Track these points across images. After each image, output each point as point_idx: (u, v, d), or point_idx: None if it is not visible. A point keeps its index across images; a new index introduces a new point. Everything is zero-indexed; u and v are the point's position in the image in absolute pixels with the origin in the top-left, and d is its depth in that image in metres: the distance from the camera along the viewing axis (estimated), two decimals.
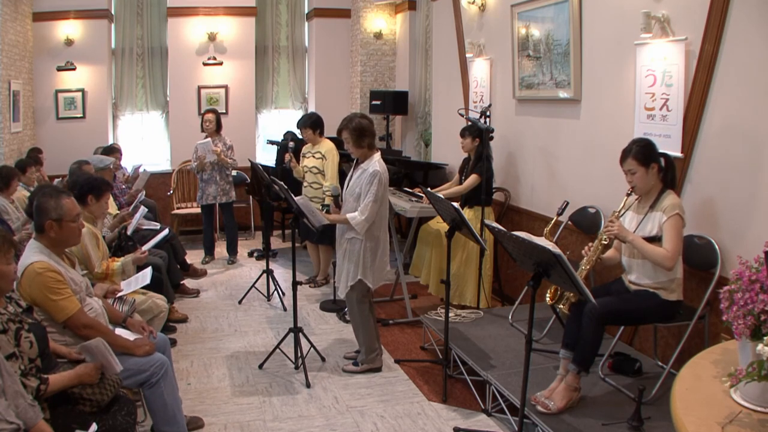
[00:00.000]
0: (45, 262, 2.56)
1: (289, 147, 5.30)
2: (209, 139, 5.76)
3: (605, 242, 3.00)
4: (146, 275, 3.43)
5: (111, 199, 4.46)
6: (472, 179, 4.50)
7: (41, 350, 2.22)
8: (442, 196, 3.68)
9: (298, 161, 5.28)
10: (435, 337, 3.97)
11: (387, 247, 3.70)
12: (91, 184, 3.61)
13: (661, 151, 2.96)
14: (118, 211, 5.02)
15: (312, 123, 5.17)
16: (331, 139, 5.16)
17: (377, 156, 3.60)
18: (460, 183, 4.70)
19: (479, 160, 4.48)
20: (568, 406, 2.85)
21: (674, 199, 2.88)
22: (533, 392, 2.95)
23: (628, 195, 2.98)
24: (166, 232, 4.26)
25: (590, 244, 3.05)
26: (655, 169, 2.89)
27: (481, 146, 4.49)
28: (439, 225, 4.45)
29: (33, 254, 2.58)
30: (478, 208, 4.45)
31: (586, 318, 2.82)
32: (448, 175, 6.06)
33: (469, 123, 4.61)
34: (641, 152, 2.88)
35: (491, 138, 4.55)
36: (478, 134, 4.53)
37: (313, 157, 5.14)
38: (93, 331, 2.59)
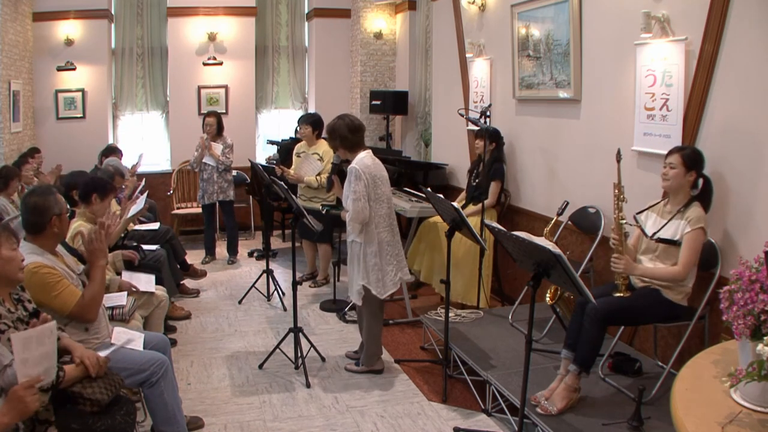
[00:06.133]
0: (37, 261, 2.57)
1: (274, 162, 5.42)
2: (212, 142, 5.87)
3: (625, 231, 2.95)
4: (141, 200, 4.14)
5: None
6: (495, 187, 4.61)
7: None
8: (442, 196, 3.68)
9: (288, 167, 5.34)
10: (435, 337, 3.97)
11: (394, 251, 3.60)
12: (96, 183, 3.61)
13: (705, 172, 2.94)
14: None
15: (313, 121, 5.22)
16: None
17: (362, 154, 3.54)
18: (469, 182, 4.76)
19: (494, 163, 4.60)
20: (567, 406, 2.85)
21: (701, 212, 2.87)
22: (533, 392, 2.95)
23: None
24: (143, 200, 4.26)
25: (615, 235, 2.93)
26: (692, 177, 2.90)
27: (497, 151, 4.62)
28: (438, 220, 4.47)
29: (26, 257, 2.57)
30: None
31: (587, 318, 2.82)
32: (448, 175, 6.06)
33: (485, 125, 4.59)
34: (691, 155, 2.90)
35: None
36: (494, 138, 4.63)
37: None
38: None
